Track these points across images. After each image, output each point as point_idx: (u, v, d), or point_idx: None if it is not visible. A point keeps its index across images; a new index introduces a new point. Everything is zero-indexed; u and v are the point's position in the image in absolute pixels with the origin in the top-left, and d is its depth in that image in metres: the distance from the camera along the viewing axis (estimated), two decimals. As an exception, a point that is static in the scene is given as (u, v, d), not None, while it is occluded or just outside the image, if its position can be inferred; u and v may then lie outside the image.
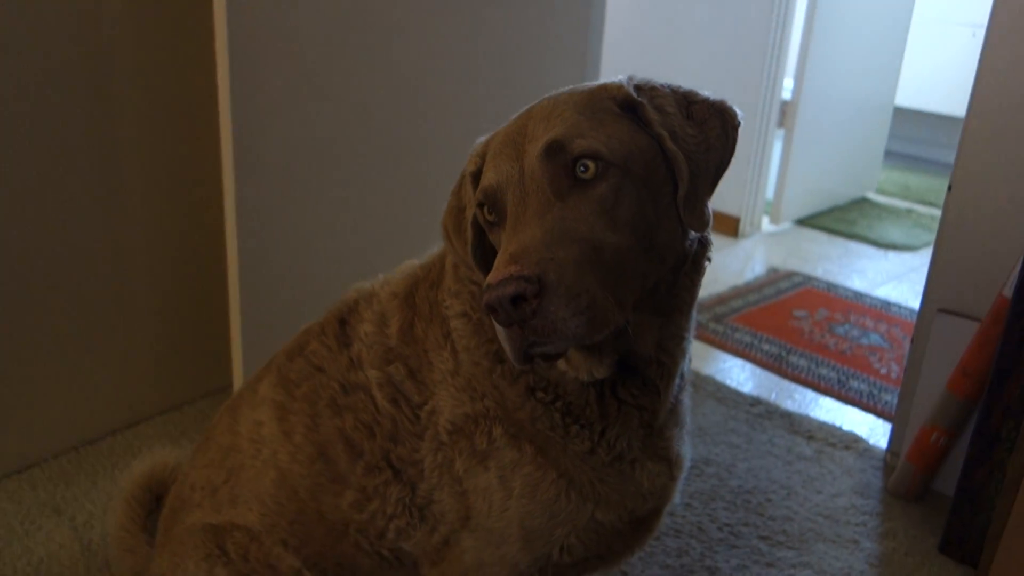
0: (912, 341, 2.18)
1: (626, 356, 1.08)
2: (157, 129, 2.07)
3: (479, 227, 1.07)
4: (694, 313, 1.14)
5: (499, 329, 0.90)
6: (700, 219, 1.01)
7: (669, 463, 1.19)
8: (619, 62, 3.88)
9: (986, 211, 1.99)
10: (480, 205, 1.03)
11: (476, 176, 1.08)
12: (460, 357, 1.14)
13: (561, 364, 1.08)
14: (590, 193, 0.94)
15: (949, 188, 2.05)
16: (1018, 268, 1.78)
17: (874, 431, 2.44)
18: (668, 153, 0.99)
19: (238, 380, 2.01)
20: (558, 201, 0.94)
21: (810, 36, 3.98)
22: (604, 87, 1.04)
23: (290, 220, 1.94)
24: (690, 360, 1.23)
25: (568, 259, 0.88)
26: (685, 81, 1.08)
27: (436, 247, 1.24)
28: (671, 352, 1.12)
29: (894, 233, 4.22)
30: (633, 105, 1.01)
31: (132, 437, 2.19)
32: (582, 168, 0.95)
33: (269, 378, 1.32)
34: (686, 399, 1.24)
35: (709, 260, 1.12)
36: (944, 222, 2.07)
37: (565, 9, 2.40)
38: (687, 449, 1.25)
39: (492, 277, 0.87)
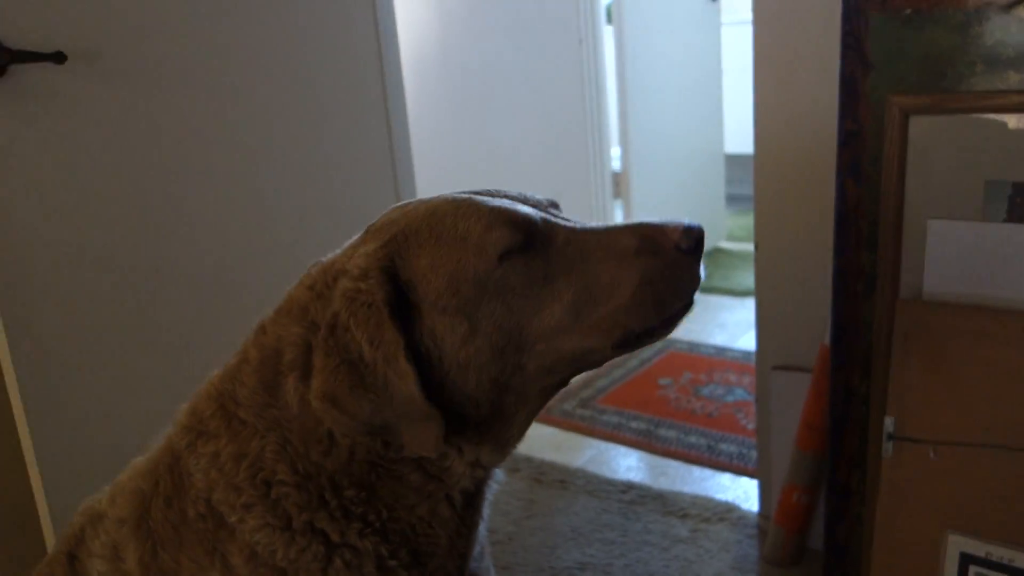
0: (756, 401, 2.15)
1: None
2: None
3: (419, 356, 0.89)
4: None
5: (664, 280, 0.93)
6: None
7: None
8: (437, 158, 3.84)
9: (791, 260, 1.99)
10: (523, 245, 0.90)
11: (390, 299, 0.88)
12: (240, 572, 0.97)
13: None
14: None
15: (756, 246, 2.04)
16: (830, 316, 1.76)
17: (748, 493, 2.38)
18: None
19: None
20: None
21: (626, 102, 4.06)
22: None
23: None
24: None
25: None
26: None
27: (158, 440, 1.05)
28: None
29: (748, 279, 4.26)
30: None
31: None
32: None
33: None
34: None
35: None
36: (758, 279, 2.06)
37: (366, 129, 2.30)
38: None
39: (672, 224, 0.92)
